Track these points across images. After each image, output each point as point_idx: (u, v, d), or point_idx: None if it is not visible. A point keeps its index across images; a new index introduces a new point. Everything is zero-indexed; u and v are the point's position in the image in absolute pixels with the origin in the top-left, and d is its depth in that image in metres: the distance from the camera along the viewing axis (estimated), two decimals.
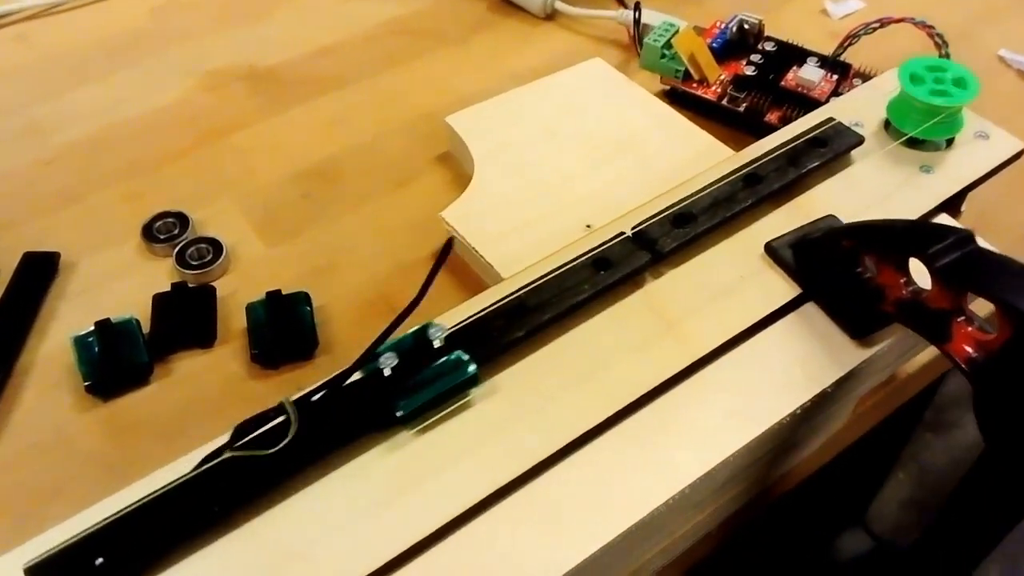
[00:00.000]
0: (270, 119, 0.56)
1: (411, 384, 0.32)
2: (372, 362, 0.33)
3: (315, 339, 0.43)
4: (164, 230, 0.48)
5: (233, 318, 0.45)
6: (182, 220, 0.49)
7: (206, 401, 0.42)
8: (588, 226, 0.46)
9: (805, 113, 0.46)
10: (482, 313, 0.35)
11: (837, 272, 0.34)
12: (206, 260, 0.47)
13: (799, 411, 0.32)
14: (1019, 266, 0.28)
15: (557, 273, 0.36)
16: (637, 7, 0.59)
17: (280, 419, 0.31)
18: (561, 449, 0.31)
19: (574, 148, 0.50)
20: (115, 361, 0.41)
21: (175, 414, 0.41)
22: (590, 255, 0.37)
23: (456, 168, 0.53)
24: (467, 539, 0.29)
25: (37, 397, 0.42)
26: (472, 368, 0.33)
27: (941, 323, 0.30)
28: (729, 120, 0.54)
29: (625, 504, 0.30)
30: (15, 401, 0.41)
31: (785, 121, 0.51)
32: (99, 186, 0.52)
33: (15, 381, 0.42)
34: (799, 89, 0.53)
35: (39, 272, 0.46)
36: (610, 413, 0.32)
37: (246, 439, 0.31)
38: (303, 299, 0.44)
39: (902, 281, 0.32)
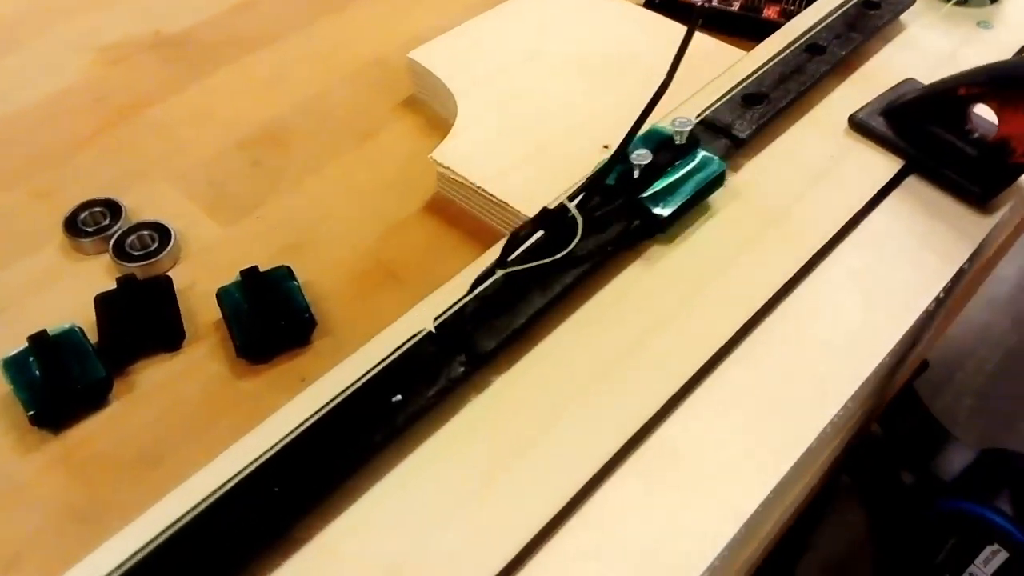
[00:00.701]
0: (192, 86, 0.48)
1: (659, 188, 0.29)
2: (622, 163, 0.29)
3: (312, 318, 0.35)
4: (91, 222, 0.39)
5: (199, 311, 0.36)
6: (112, 208, 0.40)
7: (185, 415, 0.33)
8: (605, 146, 0.40)
9: (807, 4, 0.41)
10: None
11: (946, 135, 0.29)
12: (151, 249, 0.38)
13: (942, 295, 0.27)
14: None
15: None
16: None
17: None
18: None
19: (565, 71, 0.44)
20: (61, 381, 0.32)
21: (148, 437, 0.33)
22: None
23: (426, 111, 0.46)
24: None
25: None
26: (719, 165, 0.29)
27: None
28: (721, 25, 0.48)
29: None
30: None
31: (786, 15, 0.46)
32: (1, 187, 0.43)
33: None
34: None
35: None
36: None
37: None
38: (286, 274, 0.36)
39: None
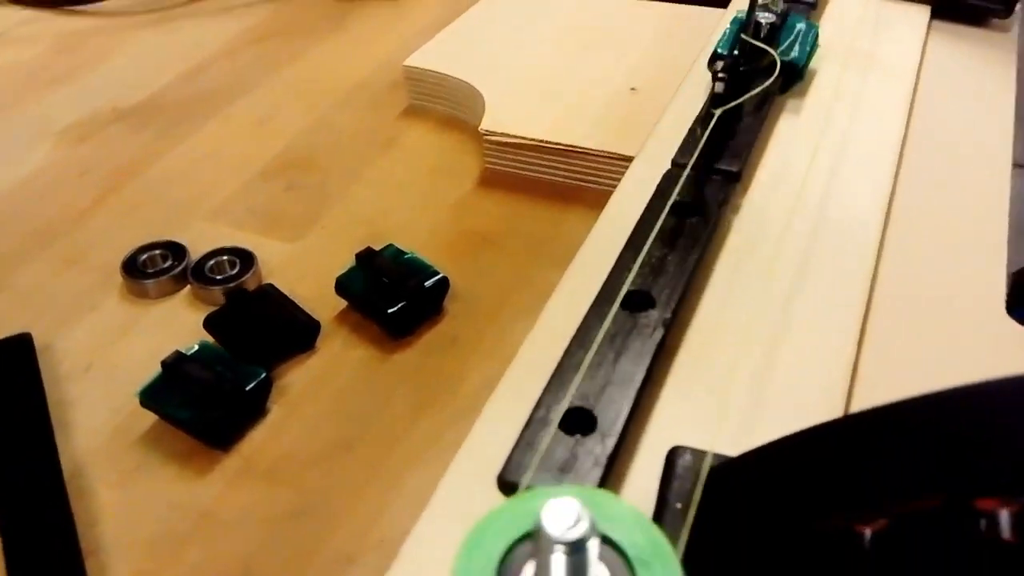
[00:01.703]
0: (180, 145, 0.46)
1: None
2: None
3: (447, 280, 0.34)
4: (151, 264, 0.37)
5: (313, 311, 0.34)
6: (172, 248, 0.37)
7: (355, 401, 0.31)
8: (633, 88, 0.43)
9: None
10: None
11: None
12: (234, 272, 0.36)
13: None
14: None
15: None
16: None
17: None
18: None
19: (567, 41, 0.47)
20: (224, 387, 0.29)
21: (328, 429, 0.30)
22: None
23: (432, 115, 0.47)
24: None
25: (121, 493, 0.29)
26: (813, 26, 0.32)
27: None
28: None
29: None
30: (95, 509, 0.28)
31: None
32: (24, 260, 0.38)
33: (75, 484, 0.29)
34: None
35: (13, 360, 0.32)
36: None
37: None
38: (396, 250, 0.35)
39: None
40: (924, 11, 0.35)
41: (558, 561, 0.13)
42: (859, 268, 0.23)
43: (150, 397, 0.30)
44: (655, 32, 0.47)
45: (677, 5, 0.49)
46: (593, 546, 0.13)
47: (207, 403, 0.29)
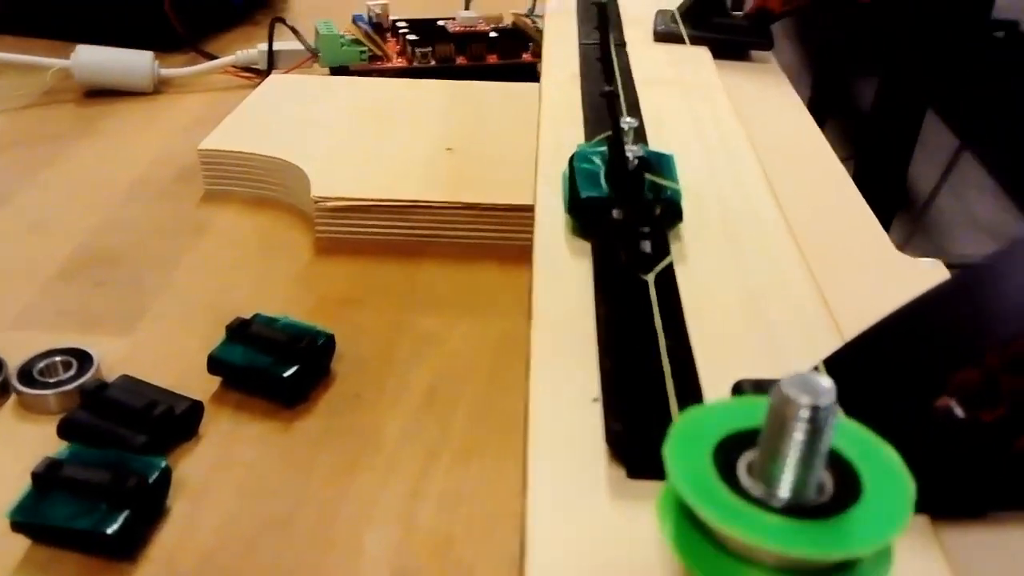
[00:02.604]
0: None
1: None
2: None
3: (333, 338, 0.32)
4: None
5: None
6: None
7: (277, 473, 0.28)
8: (449, 148, 0.44)
9: (500, 42, 0.53)
10: None
11: (724, 20, 0.40)
12: (71, 374, 0.31)
13: None
14: None
15: None
16: (273, 23, 0.56)
17: None
18: None
19: (358, 115, 0.47)
20: (119, 495, 0.25)
21: (259, 510, 0.27)
22: None
23: (234, 198, 0.44)
24: None
25: None
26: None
27: None
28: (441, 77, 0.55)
29: None
30: None
31: (507, 52, 0.56)
32: None
33: None
34: (467, 28, 0.57)
35: None
36: None
37: None
38: (267, 317, 0.32)
39: None
40: (706, 51, 0.40)
41: (797, 433, 0.13)
42: (783, 236, 0.26)
43: (26, 515, 0.24)
44: (443, 105, 0.49)
45: (454, 82, 0.52)
46: (832, 421, 0.13)
47: (107, 507, 0.24)
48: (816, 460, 0.13)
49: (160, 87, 0.57)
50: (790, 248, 0.25)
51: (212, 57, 0.59)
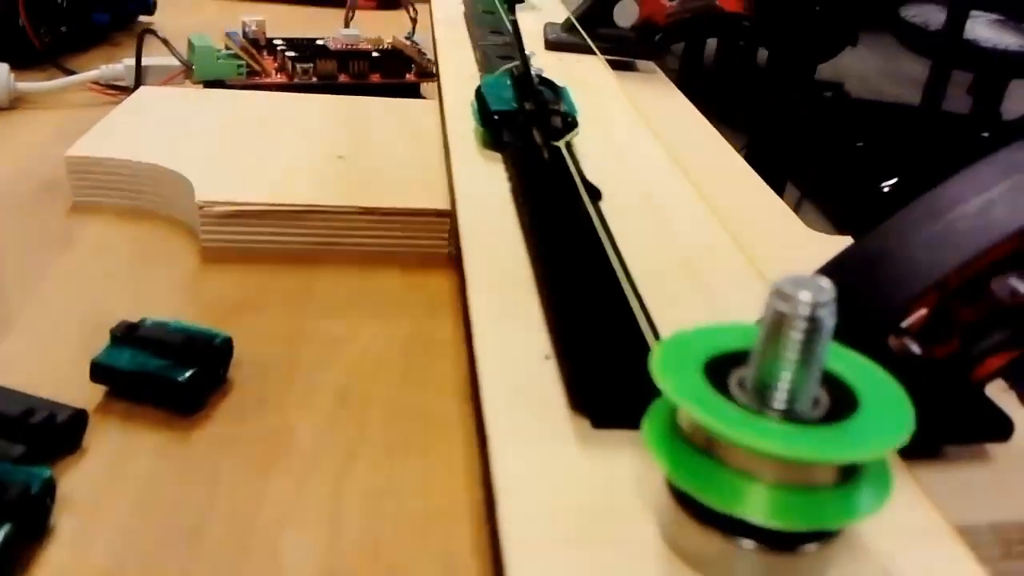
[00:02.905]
0: None
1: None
2: None
3: (231, 341, 0.29)
4: None
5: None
6: None
7: (181, 485, 0.25)
8: (340, 156, 0.42)
9: (383, 62, 0.52)
10: None
11: (613, 31, 0.41)
12: None
13: None
14: None
15: None
16: (142, 35, 0.53)
17: None
18: None
19: (237, 123, 0.45)
20: None
21: (165, 522, 0.24)
22: None
23: (110, 210, 0.41)
24: None
25: None
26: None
27: None
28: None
29: None
30: None
31: (391, 71, 0.55)
32: None
33: None
34: (349, 46, 0.56)
35: None
36: None
37: None
38: (156, 321, 0.29)
39: None
40: (598, 57, 0.41)
41: (795, 332, 0.13)
42: (701, 207, 0.26)
43: None
44: (328, 117, 0.48)
45: (339, 96, 0.50)
46: (832, 322, 0.13)
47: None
48: (814, 364, 0.13)
49: (16, 103, 0.53)
50: (709, 218, 0.26)
51: (73, 72, 0.55)
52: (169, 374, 0.27)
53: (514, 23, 0.31)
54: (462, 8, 0.52)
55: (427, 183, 0.41)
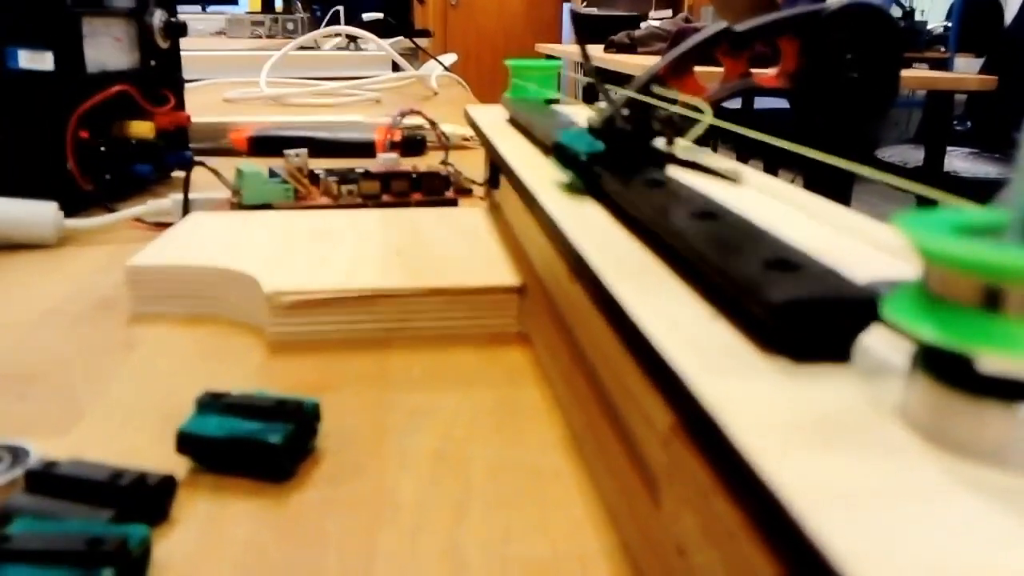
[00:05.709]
0: None
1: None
2: None
3: (318, 406, 0.28)
4: None
5: None
6: None
7: (283, 551, 0.23)
8: (399, 252, 0.42)
9: (423, 181, 0.54)
10: None
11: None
12: (2, 467, 0.25)
13: None
14: None
15: None
16: (190, 165, 0.54)
17: None
18: None
19: (313, 241, 0.45)
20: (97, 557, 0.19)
21: None
22: None
23: (169, 318, 0.40)
24: None
25: None
26: None
27: None
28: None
29: None
30: None
31: (431, 190, 0.56)
32: None
33: None
34: (390, 169, 0.57)
35: None
36: None
37: None
38: (239, 392, 0.28)
39: None
40: None
41: None
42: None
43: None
44: (380, 224, 0.48)
45: (385, 209, 0.51)
46: None
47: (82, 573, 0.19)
48: None
49: (63, 242, 0.53)
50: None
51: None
52: (262, 437, 0.26)
53: (594, 67, 0.32)
54: (504, 115, 0.53)
55: (490, 264, 0.40)
